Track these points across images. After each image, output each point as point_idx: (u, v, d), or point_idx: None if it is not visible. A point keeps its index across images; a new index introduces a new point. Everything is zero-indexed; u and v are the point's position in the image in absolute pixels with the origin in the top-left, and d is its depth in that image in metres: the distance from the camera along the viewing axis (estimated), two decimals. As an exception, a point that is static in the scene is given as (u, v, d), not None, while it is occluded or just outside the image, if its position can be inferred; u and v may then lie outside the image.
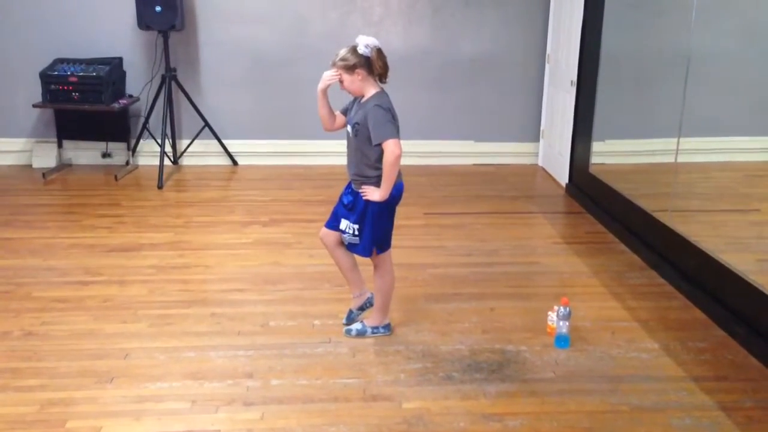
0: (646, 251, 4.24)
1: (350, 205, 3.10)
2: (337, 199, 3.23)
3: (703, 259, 3.65)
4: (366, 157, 3.02)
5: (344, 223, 3.11)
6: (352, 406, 2.73)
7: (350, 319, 3.38)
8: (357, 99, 3.09)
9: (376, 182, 3.02)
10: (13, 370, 2.94)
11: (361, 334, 3.28)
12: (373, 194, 3.01)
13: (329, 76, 3.00)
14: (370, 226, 3.06)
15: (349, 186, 3.17)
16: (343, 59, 2.95)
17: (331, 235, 3.22)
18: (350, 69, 2.95)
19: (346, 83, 2.99)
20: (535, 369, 3.02)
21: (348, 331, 3.28)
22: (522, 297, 3.73)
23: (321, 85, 3.04)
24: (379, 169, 3.00)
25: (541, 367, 3.03)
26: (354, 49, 2.94)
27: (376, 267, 3.22)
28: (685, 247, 3.84)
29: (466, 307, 3.59)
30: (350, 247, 3.16)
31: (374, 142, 2.96)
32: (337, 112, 3.18)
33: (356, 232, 3.07)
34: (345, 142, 3.14)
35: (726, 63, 3.86)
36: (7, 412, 2.65)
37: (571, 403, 2.77)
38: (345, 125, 3.14)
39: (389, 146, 2.92)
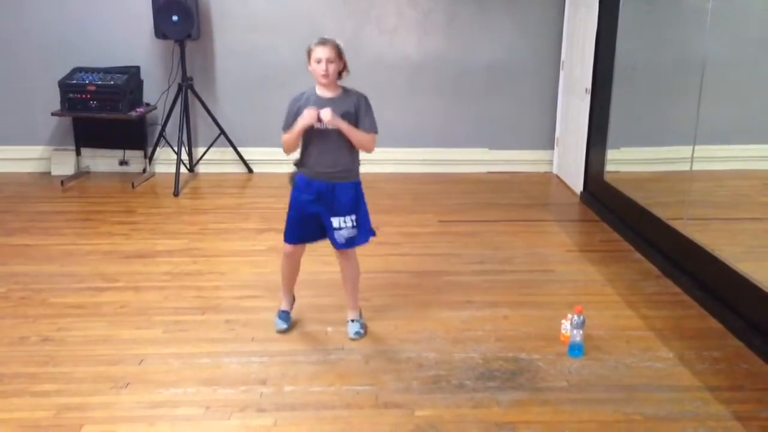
0: (662, 260, 4.21)
1: (334, 202, 3.12)
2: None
3: (719, 268, 3.62)
4: (349, 147, 3.08)
5: (337, 221, 3.14)
6: (364, 413, 2.73)
7: (289, 321, 3.40)
8: (310, 96, 3.05)
9: (353, 171, 3.14)
10: (30, 375, 2.97)
11: (362, 328, 3.34)
12: (336, 119, 2.97)
13: (313, 116, 2.95)
14: (365, 209, 3.19)
15: (315, 188, 3.11)
16: (338, 44, 3.00)
17: (301, 249, 3.32)
18: (340, 56, 3.01)
19: (332, 68, 2.98)
20: (549, 378, 3.00)
21: (357, 334, 3.30)
22: (535, 305, 3.72)
23: (308, 122, 2.96)
24: (357, 158, 3.15)
25: (554, 376, 3.02)
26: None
27: (348, 258, 3.28)
28: (700, 256, 3.82)
29: (479, 315, 3.59)
30: (350, 243, 3.20)
31: (369, 129, 3.07)
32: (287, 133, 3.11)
33: (354, 223, 3.16)
34: None
35: (741, 70, 3.84)
36: (23, 416, 2.69)
37: (584, 412, 2.76)
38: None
39: (373, 140, 3.11)
